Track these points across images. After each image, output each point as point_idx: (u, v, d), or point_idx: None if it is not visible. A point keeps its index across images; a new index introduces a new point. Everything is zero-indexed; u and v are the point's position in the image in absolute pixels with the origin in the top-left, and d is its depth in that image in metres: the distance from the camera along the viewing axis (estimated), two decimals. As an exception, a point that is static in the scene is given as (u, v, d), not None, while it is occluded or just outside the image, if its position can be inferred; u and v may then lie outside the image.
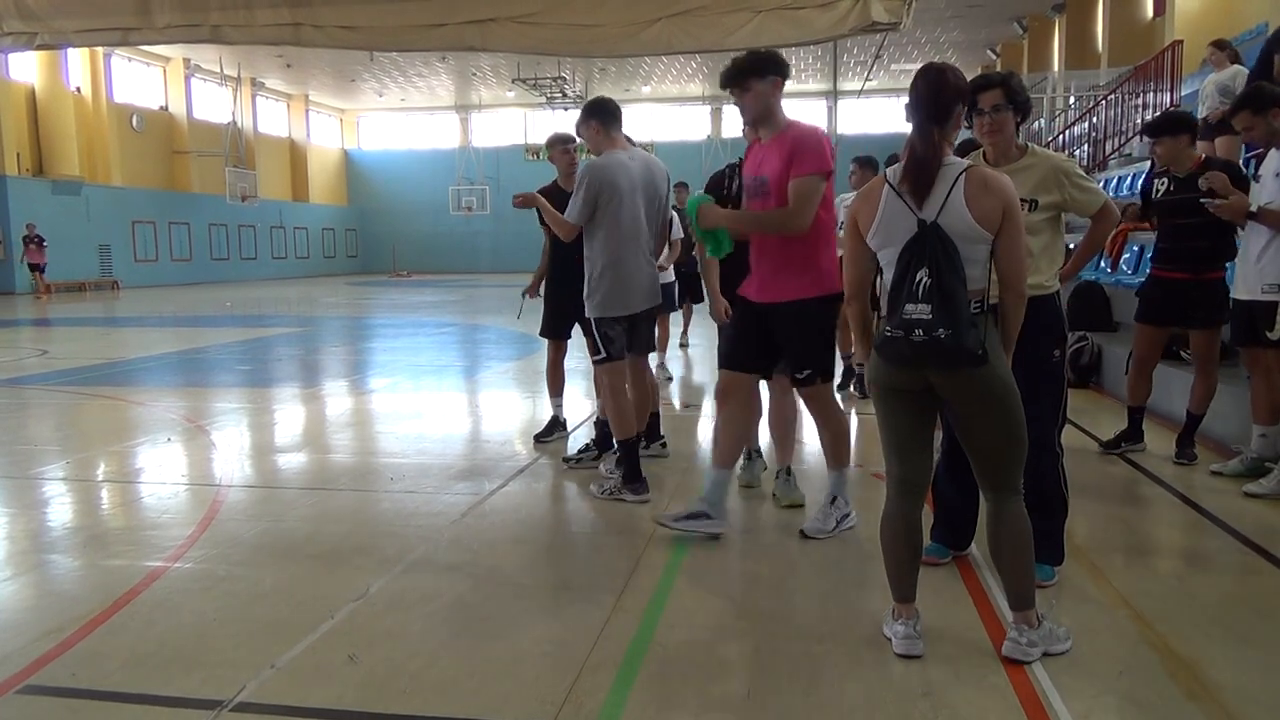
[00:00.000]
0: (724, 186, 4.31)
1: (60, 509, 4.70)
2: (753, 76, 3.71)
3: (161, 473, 5.43)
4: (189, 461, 5.72)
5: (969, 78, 2.95)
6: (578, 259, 4.65)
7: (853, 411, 6.80)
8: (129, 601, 3.32)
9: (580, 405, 6.38)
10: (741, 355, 4.01)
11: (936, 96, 2.65)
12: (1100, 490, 4.68)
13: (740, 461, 4.54)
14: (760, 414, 4.77)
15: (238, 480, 5.18)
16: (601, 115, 4.50)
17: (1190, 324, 5.10)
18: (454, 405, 7.92)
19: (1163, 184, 4.99)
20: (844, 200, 6.94)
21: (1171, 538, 4.16)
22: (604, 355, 4.56)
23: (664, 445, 5.44)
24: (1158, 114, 6.07)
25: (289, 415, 7.43)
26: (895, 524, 2.86)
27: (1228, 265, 5.02)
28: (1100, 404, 6.90)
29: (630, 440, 4.58)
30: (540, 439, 5.79)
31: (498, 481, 4.99)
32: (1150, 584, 3.42)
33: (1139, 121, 13.36)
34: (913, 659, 2.75)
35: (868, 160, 6.89)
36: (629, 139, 4.72)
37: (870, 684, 2.64)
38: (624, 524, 4.23)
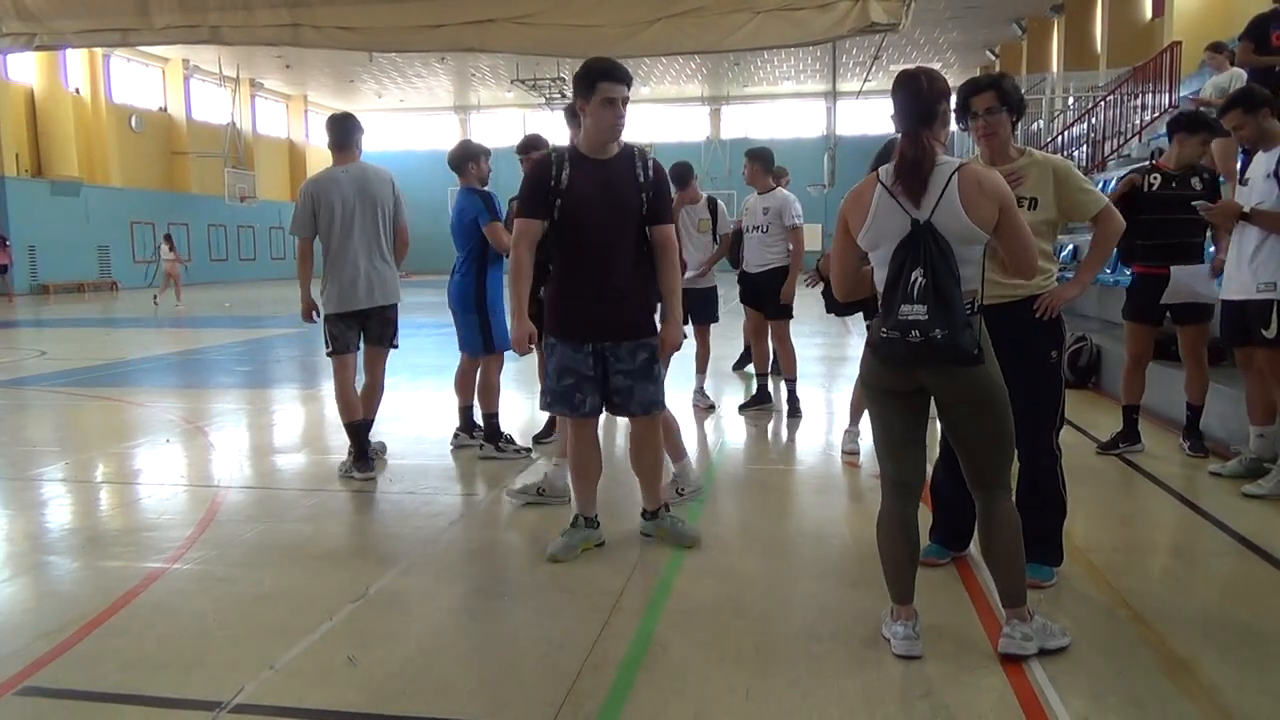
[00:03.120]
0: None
1: (59, 510, 4.70)
2: None
3: (160, 474, 5.43)
4: (188, 463, 5.72)
5: (967, 79, 2.96)
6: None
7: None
8: (128, 603, 3.32)
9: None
10: None
11: (916, 100, 2.66)
12: (1099, 491, 4.68)
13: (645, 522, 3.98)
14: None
15: (236, 481, 5.17)
16: (329, 134, 5.06)
17: (1176, 319, 5.22)
18: (453, 406, 7.90)
19: (1155, 179, 5.12)
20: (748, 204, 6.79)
21: (1170, 538, 4.16)
22: (330, 349, 5.04)
23: (509, 441, 5.57)
24: (1186, 111, 6.07)
25: (288, 416, 7.43)
26: (892, 525, 2.86)
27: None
28: (1099, 405, 6.90)
29: (356, 422, 5.05)
30: (539, 440, 5.77)
31: (497, 482, 4.99)
32: (1149, 584, 3.42)
33: (1138, 122, 13.36)
34: (911, 660, 2.75)
35: (759, 153, 6.64)
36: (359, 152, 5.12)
37: (869, 684, 2.64)
38: (624, 525, 4.23)
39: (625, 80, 3.51)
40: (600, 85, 3.45)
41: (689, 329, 6.80)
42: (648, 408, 3.72)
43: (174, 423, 6.81)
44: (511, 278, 3.64)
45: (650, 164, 3.65)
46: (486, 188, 5.56)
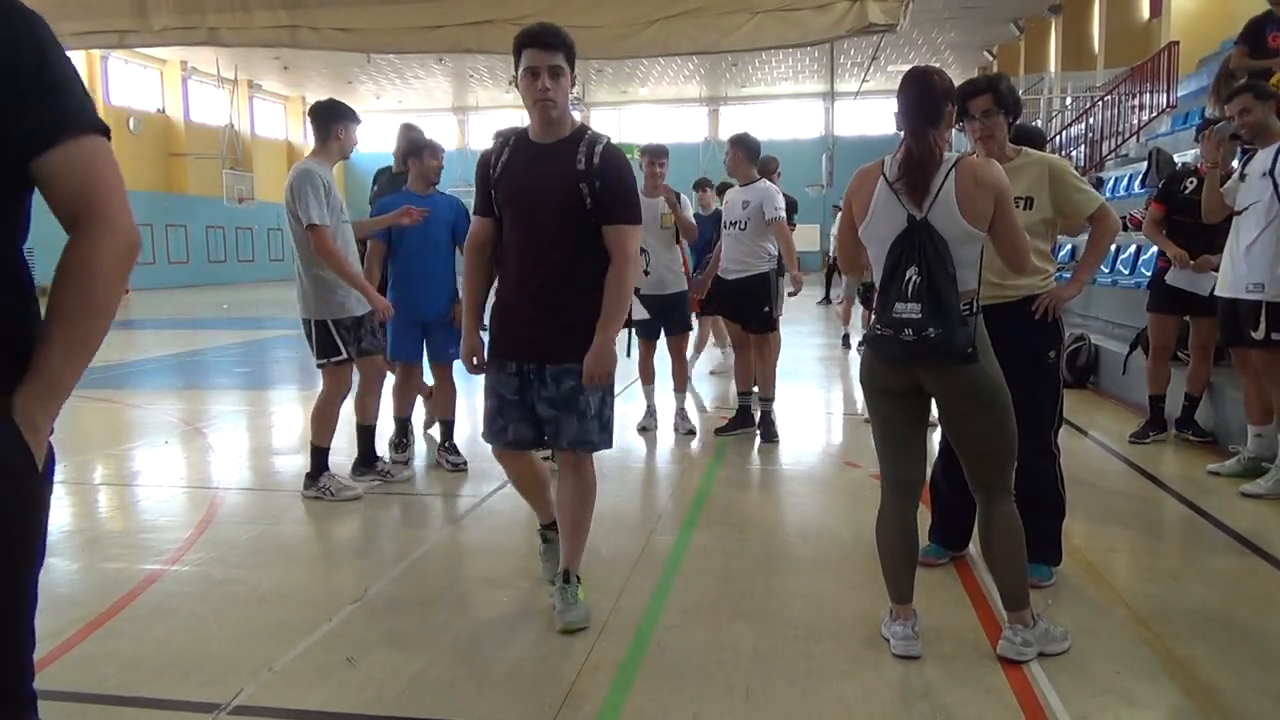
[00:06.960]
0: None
1: (57, 512, 4.68)
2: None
3: (159, 476, 5.42)
4: (186, 464, 5.71)
5: (965, 79, 2.96)
6: None
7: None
8: (127, 605, 3.32)
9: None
10: None
11: (925, 99, 2.65)
12: (1098, 490, 4.68)
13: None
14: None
15: (235, 483, 5.17)
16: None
17: (1192, 311, 5.46)
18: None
19: (1191, 183, 5.36)
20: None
21: (1169, 538, 4.16)
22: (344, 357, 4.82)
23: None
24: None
25: (286, 417, 7.42)
26: (891, 524, 2.86)
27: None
28: (1098, 404, 6.90)
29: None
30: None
31: (496, 483, 4.98)
32: (1148, 584, 3.42)
33: (1135, 122, 13.38)
34: (911, 660, 2.75)
35: (742, 139, 5.86)
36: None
37: (868, 684, 2.65)
38: (621, 526, 4.23)
39: (556, 46, 2.90)
40: (523, 54, 2.90)
41: (662, 342, 6.15)
42: (574, 445, 3.06)
43: (173, 424, 6.81)
44: (464, 285, 3.24)
45: (598, 150, 2.95)
46: (433, 187, 5.30)
